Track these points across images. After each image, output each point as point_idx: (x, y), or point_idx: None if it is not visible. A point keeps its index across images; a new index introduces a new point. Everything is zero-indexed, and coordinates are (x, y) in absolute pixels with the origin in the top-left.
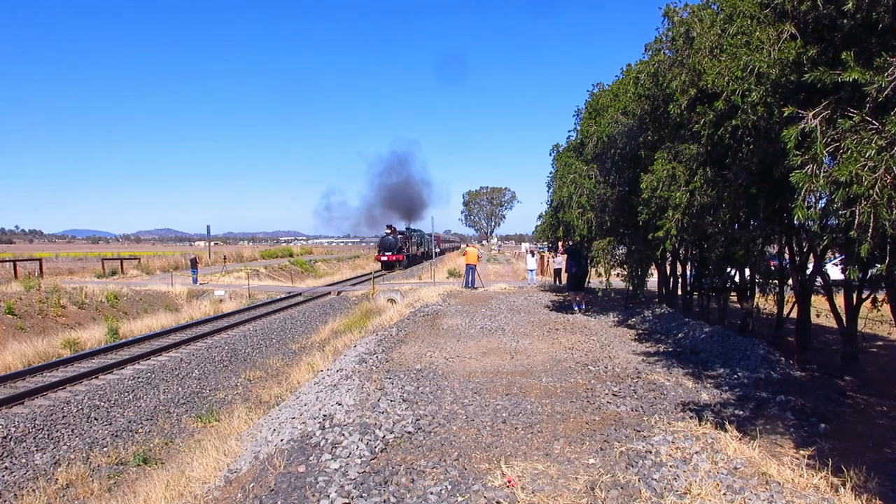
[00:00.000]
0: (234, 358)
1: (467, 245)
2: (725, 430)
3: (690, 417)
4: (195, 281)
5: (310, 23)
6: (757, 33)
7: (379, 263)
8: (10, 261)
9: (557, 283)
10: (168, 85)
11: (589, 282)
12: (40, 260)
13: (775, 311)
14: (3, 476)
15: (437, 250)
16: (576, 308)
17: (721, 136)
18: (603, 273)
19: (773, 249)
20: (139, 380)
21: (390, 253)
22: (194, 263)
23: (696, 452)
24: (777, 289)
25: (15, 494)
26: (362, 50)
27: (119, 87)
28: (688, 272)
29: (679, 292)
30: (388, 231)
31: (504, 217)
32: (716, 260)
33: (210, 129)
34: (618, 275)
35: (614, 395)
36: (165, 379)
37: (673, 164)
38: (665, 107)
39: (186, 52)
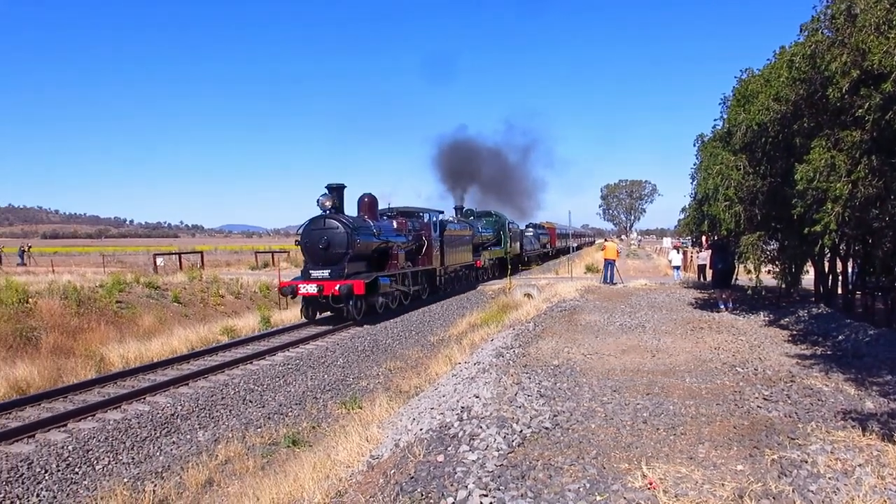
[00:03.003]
0: (375, 348)
1: (606, 239)
2: (894, 443)
3: (852, 427)
4: None
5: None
6: None
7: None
8: (176, 254)
9: (701, 279)
10: (311, 88)
11: (736, 279)
12: (201, 253)
13: None
14: (171, 450)
15: (574, 245)
16: (721, 306)
17: (889, 121)
18: (752, 270)
19: None
20: (288, 366)
21: (326, 272)
22: None
23: (860, 465)
24: None
25: (181, 467)
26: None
27: (266, 91)
28: (849, 269)
29: (839, 291)
30: (328, 203)
31: (644, 211)
32: (883, 256)
33: (355, 125)
34: (768, 271)
35: (765, 398)
36: (312, 366)
37: (832, 153)
38: (823, 91)
39: (323, 50)
